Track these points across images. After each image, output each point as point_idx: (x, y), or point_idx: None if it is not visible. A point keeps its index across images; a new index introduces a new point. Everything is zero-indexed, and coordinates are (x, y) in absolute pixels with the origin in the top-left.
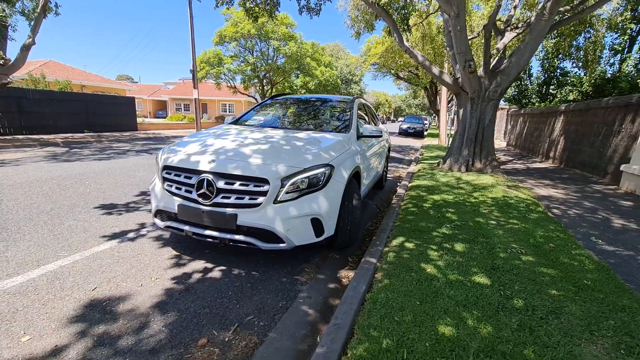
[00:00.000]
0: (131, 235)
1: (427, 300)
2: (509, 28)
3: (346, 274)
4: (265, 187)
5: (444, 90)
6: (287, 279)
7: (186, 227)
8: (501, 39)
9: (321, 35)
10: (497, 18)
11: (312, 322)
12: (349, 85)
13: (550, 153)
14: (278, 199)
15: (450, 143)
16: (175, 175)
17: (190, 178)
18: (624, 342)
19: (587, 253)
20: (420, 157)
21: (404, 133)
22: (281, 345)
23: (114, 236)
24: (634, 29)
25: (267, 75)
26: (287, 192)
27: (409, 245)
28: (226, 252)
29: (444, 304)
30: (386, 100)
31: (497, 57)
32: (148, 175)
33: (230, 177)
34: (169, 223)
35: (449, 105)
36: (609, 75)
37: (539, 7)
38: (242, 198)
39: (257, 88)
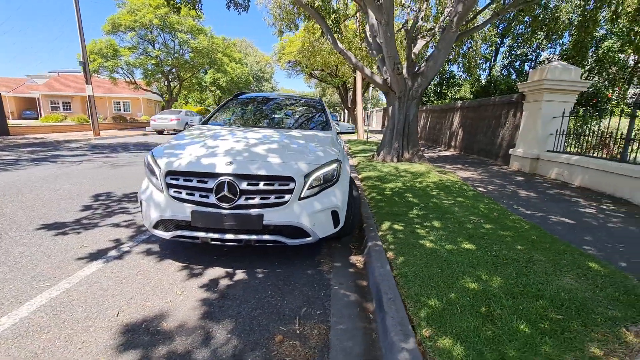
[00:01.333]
0: (113, 253)
1: (443, 267)
2: (419, 37)
3: (356, 259)
4: (291, 185)
5: (358, 89)
6: (311, 271)
7: (201, 234)
8: (414, 46)
9: (229, 30)
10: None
11: (357, 303)
12: (260, 82)
13: (451, 143)
14: (302, 196)
15: (382, 137)
16: (185, 180)
17: (206, 182)
18: (582, 274)
19: (518, 217)
20: (349, 151)
21: None
22: (346, 327)
23: (92, 257)
24: (498, 42)
25: (173, 70)
26: (308, 188)
27: (398, 227)
28: (236, 256)
29: (458, 268)
30: None
31: (416, 61)
32: (76, 187)
33: (254, 178)
34: (177, 233)
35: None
36: (485, 79)
37: (446, 19)
38: (268, 198)
39: (162, 84)
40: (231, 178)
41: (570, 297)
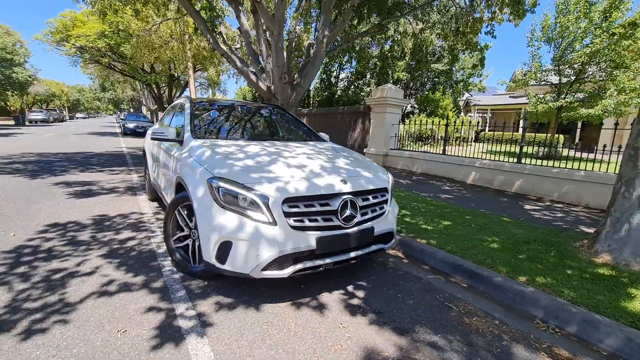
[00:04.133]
0: (186, 325)
1: (454, 234)
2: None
3: (396, 251)
4: (387, 196)
5: (192, 88)
6: (402, 273)
7: (327, 260)
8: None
9: None
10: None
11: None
12: (8, 68)
13: None
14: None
15: None
16: (306, 205)
17: (328, 204)
18: (509, 238)
19: (430, 199)
20: None
21: (131, 133)
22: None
23: (169, 342)
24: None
25: None
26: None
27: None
28: (313, 280)
29: (466, 231)
30: (62, 92)
31: (294, 73)
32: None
33: (365, 193)
34: (299, 267)
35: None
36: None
37: (319, 40)
38: (375, 210)
39: None
40: (352, 196)
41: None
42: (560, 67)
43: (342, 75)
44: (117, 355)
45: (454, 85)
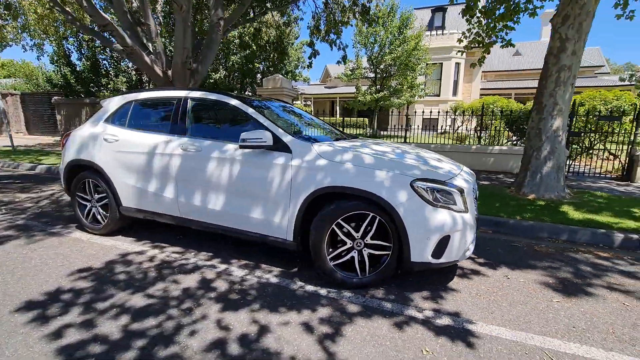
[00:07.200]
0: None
1: None
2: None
3: None
4: None
5: None
6: None
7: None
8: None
9: None
10: None
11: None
12: None
13: None
14: None
15: None
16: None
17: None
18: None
19: None
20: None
21: None
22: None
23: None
24: None
25: None
26: None
27: None
28: None
29: None
30: None
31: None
32: None
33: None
34: (472, 247)
35: None
36: None
37: (214, 22)
38: None
39: None
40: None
41: None
42: (372, 67)
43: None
44: None
45: (286, 76)
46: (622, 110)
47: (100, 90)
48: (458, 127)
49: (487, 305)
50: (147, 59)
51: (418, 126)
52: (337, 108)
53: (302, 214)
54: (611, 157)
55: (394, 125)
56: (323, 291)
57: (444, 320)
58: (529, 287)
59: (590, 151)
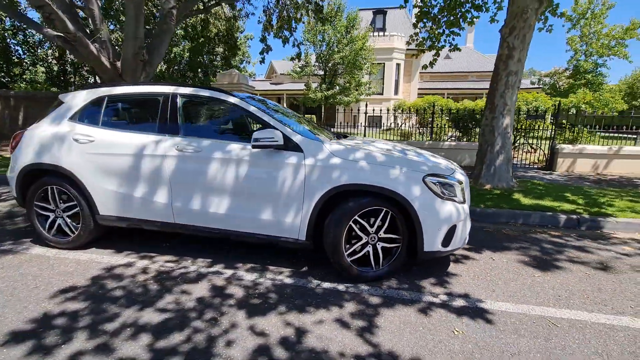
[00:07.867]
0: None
1: None
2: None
3: None
4: None
5: None
6: None
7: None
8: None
9: None
10: None
11: None
12: None
13: None
14: None
15: None
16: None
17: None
18: None
19: None
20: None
21: None
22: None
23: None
24: None
25: None
26: None
27: None
28: None
29: None
30: None
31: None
32: None
33: None
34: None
35: None
36: None
37: (164, 10)
38: None
39: None
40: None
41: None
42: (322, 64)
43: None
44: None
45: None
46: (544, 110)
47: (13, 82)
48: (400, 124)
49: (487, 284)
50: (92, 47)
51: (361, 123)
52: (285, 105)
53: (316, 212)
54: (532, 150)
55: (340, 122)
56: (341, 287)
57: (459, 302)
58: (513, 266)
59: (516, 145)
